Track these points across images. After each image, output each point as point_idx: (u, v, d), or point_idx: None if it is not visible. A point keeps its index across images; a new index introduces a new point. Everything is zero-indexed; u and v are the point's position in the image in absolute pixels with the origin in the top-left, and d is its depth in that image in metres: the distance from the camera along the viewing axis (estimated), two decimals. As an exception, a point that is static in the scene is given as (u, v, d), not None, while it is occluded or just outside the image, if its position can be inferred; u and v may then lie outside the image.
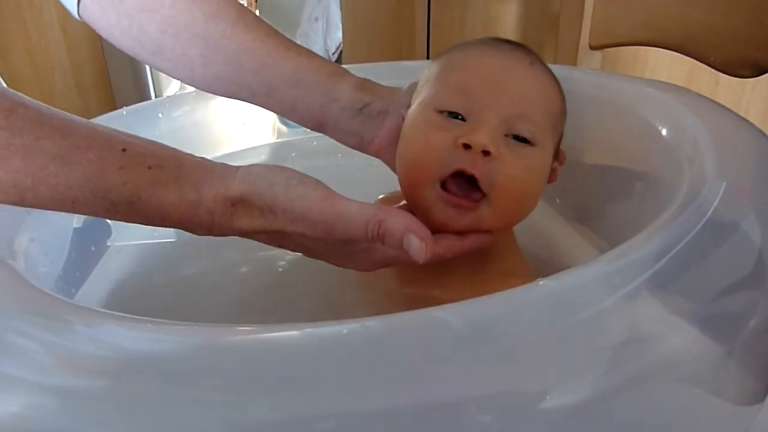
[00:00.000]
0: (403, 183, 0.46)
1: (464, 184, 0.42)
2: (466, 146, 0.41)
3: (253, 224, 0.40)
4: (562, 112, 0.48)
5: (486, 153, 0.41)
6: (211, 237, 0.42)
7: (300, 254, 0.44)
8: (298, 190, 0.40)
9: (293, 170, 0.41)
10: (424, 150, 0.43)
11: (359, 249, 0.41)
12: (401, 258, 0.41)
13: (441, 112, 0.44)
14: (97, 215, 0.40)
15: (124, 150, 0.39)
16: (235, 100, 0.55)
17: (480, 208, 0.42)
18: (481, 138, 0.41)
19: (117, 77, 1.89)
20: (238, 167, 0.41)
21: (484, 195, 0.42)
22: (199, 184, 0.40)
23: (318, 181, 0.41)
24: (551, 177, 0.48)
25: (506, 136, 0.43)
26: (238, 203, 0.40)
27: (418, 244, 0.37)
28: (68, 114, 0.40)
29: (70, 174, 0.37)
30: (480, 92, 0.43)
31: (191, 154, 0.42)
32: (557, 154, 0.49)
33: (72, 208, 0.38)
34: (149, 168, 0.39)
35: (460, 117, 0.43)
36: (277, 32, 0.54)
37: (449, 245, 0.43)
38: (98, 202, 0.38)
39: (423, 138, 0.44)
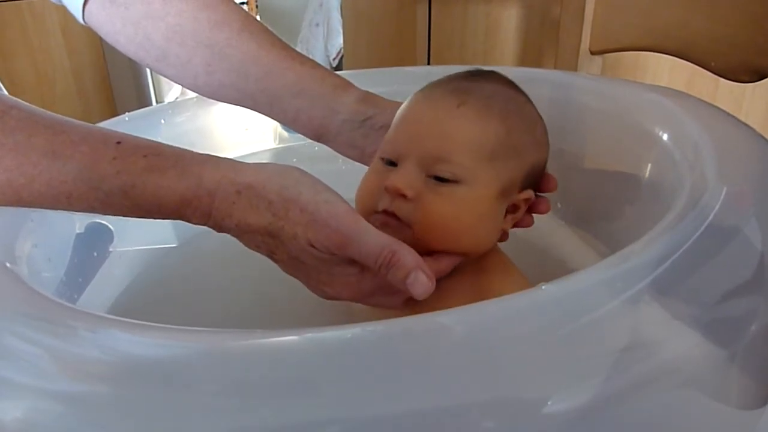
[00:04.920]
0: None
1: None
2: (387, 190, 0.45)
3: (256, 218, 0.39)
4: (508, 146, 0.47)
5: (403, 195, 0.45)
6: (213, 243, 0.42)
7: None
8: (325, 195, 0.40)
9: (316, 177, 0.42)
10: (363, 191, 0.48)
11: (352, 273, 0.41)
12: (386, 293, 0.43)
13: (383, 159, 0.48)
14: (94, 210, 0.39)
15: (118, 143, 0.38)
16: (237, 107, 0.56)
17: (403, 227, 0.45)
18: (395, 182, 0.45)
19: (118, 83, 1.89)
20: (250, 163, 0.41)
21: (410, 227, 0.45)
22: (200, 167, 0.39)
23: (340, 195, 0.41)
24: (539, 207, 0.51)
25: (429, 177, 0.46)
26: (245, 191, 0.39)
27: (425, 282, 0.39)
28: (64, 116, 0.39)
29: (62, 168, 0.37)
30: (402, 140, 0.47)
31: (194, 151, 0.41)
32: (531, 186, 0.49)
33: (68, 203, 0.38)
34: (144, 156, 0.38)
35: (394, 164, 0.47)
36: (282, 42, 0.54)
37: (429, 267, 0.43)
38: (93, 194, 0.38)
39: (364, 181, 0.49)
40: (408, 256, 0.39)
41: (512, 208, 0.49)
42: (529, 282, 0.50)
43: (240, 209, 0.39)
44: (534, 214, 0.52)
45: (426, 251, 0.44)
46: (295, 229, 0.39)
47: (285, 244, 0.40)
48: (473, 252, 0.48)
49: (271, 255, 0.42)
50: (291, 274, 0.43)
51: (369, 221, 0.43)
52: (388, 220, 0.45)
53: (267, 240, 0.40)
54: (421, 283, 0.39)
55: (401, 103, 0.53)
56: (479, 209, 0.46)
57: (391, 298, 0.44)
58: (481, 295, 0.47)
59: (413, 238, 0.44)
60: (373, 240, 0.39)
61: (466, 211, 0.46)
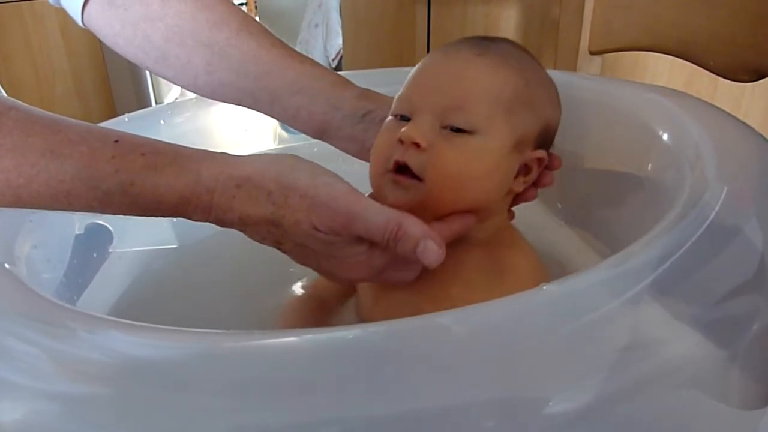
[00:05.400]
0: (369, 176, 0.50)
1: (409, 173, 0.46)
2: (401, 141, 0.45)
3: (258, 209, 0.39)
4: (526, 98, 0.47)
5: (417, 145, 0.44)
6: (213, 244, 0.42)
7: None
8: (324, 179, 0.40)
9: (311, 161, 0.42)
10: (377, 148, 0.48)
11: (361, 252, 0.41)
12: (397, 268, 0.43)
13: (396, 116, 0.48)
14: (93, 209, 0.39)
15: (116, 141, 0.38)
16: (237, 107, 0.56)
17: (417, 186, 0.45)
18: (409, 132, 0.45)
19: (117, 84, 1.89)
20: (245, 155, 0.41)
21: (420, 180, 0.45)
22: (198, 164, 0.39)
23: (339, 175, 0.41)
24: (544, 179, 0.50)
25: (444, 128, 0.45)
26: (244, 184, 0.39)
27: (435, 248, 0.39)
28: (62, 116, 0.39)
29: (61, 167, 0.37)
30: (416, 93, 0.47)
31: (191, 147, 0.41)
32: (543, 147, 0.49)
33: (67, 203, 0.38)
34: (143, 155, 0.38)
35: (408, 119, 0.47)
36: (280, 41, 0.54)
37: (438, 231, 0.43)
38: (91, 193, 0.37)
39: (378, 139, 0.49)
40: (414, 226, 0.39)
41: (524, 169, 0.49)
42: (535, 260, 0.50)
43: (240, 202, 0.39)
44: (533, 217, 0.52)
45: (436, 209, 0.45)
46: (296, 216, 0.39)
47: (289, 232, 0.40)
48: (481, 207, 0.48)
49: (278, 245, 0.42)
50: (301, 263, 0.43)
51: (382, 182, 0.45)
52: (400, 178, 0.45)
53: (271, 230, 0.40)
54: (431, 250, 0.39)
55: None
56: (492, 161, 0.46)
57: (403, 273, 0.44)
58: (494, 269, 0.48)
59: (425, 192, 0.44)
60: (378, 215, 0.39)
61: (478, 161, 0.46)
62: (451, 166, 0.45)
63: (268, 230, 0.40)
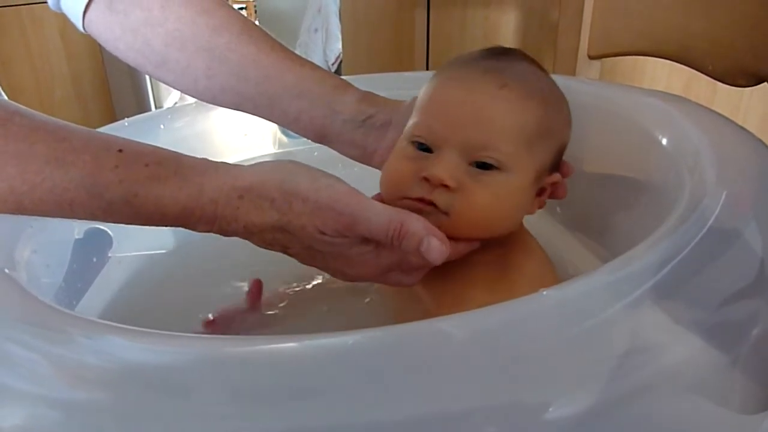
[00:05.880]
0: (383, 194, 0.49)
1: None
2: (427, 179, 0.44)
3: (263, 218, 0.39)
4: (546, 128, 0.47)
5: (445, 185, 0.44)
6: (212, 246, 0.42)
7: (303, 264, 0.44)
8: (324, 181, 0.40)
9: (310, 165, 0.42)
10: (395, 176, 0.47)
11: (368, 251, 0.41)
12: (404, 269, 0.42)
13: (414, 143, 0.47)
14: (96, 218, 0.39)
15: (120, 150, 0.38)
16: (236, 111, 0.56)
17: (439, 216, 0.44)
18: (437, 172, 0.43)
19: (117, 88, 1.89)
20: (245, 165, 0.41)
21: (446, 215, 0.44)
22: (201, 176, 0.39)
23: (338, 177, 0.41)
24: (557, 192, 0.50)
25: (471, 164, 0.45)
26: (247, 194, 0.39)
27: (438, 245, 0.39)
28: (66, 122, 0.39)
29: (65, 176, 0.37)
30: (439, 125, 0.45)
31: (192, 156, 0.41)
32: (556, 168, 0.49)
33: (70, 211, 0.38)
34: (146, 165, 0.38)
35: (429, 149, 0.46)
36: (281, 45, 0.54)
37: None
38: (95, 202, 0.38)
39: (395, 166, 0.47)
40: (416, 223, 0.40)
41: (540, 192, 0.49)
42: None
43: (245, 212, 0.39)
44: (532, 221, 0.52)
45: (452, 236, 0.44)
46: (301, 221, 0.39)
47: (296, 237, 0.40)
48: (497, 237, 0.48)
49: (285, 250, 0.42)
50: (309, 265, 0.43)
51: (397, 205, 0.44)
52: (424, 207, 0.44)
53: (277, 236, 0.40)
54: (435, 247, 0.39)
55: (401, 102, 0.53)
56: (517, 197, 0.46)
57: (409, 277, 0.44)
58: (504, 270, 0.48)
59: (446, 223, 0.44)
60: (380, 215, 0.39)
61: (506, 200, 0.46)
62: (480, 206, 0.44)
63: (273, 237, 0.40)
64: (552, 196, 0.50)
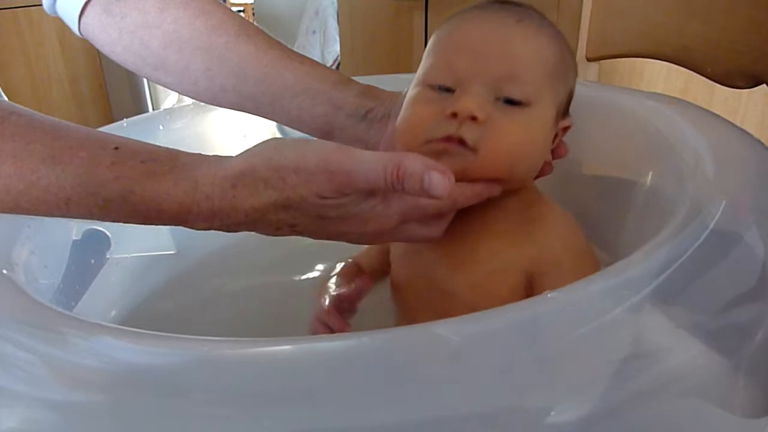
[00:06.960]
0: (399, 145, 0.47)
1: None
2: (454, 114, 0.42)
3: (261, 200, 0.38)
4: (563, 65, 0.46)
5: (473, 118, 0.42)
6: (210, 247, 0.41)
7: (306, 257, 0.43)
8: (310, 146, 0.39)
9: (293, 137, 0.41)
10: (416, 120, 0.45)
11: (376, 204, 0.40)
12: (419, 208, 0.41)
13: (432, 87, 0.45)
14: (92, 216, 0.38)
15: (116, 148, 0.38)
16: (235, 112, 0.55)
17: (466, 155, 0.43)
18: (466, 104, 0.42)
19: (114, 90, 1.89)
20: (233, 156, 0.41)
21: (472, 149, 0.43)
22: (194, 171, 0.39)
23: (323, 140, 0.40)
24: (560, 150, 0.49)
25: (497, 99, 0.44)
26: (239, 181, 0.38)
27: (440, 178, 0.37)
28: (62, 120, 0.39)
29: (61, 174, 0.37)
30: (464, 62, 0.44)
31: (189, 152, 0.40)
32: (566, 110, 0.49)
33: (66, 209, 0.38)
34: (142, 162, 0.38)
35: (450, 90, 0.44)
36: (279, 43, 0.54)
37: (461, 191, 0.42)
38: (91, 200, 0.37)
39: (414, 111, 0.45)
40: (414, 161, 0.38)
41: (553, 137, 0.48)
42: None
43: (242, 199, 0.38)
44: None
45: (477, 178, 0.43)
46: (299, 192, 0.38)
47: (300, 210, 0.39)
48: (520, 181, 0.47)
49: (294, 230, 0.41)
50: (324, 238, 0.42)
51: (421, 151, 0.42)
52: (449, 146, 0.43)
53: (281, 216, 0.39)
54: (438, 181, 0.37)
55: (398, 94, 0.53)
56: (544, 133, 0.45)
57: (430, 228, 0.43)
58: (530, 222, 0.47)
59: (473, 161, 0.43)
60: (373, 162, 0.38)
61: (534, 134, 0.45)
62: (509, 140, 0.43)
63: (278, 218, 0.39)
64: (555, 154, 0.50)
